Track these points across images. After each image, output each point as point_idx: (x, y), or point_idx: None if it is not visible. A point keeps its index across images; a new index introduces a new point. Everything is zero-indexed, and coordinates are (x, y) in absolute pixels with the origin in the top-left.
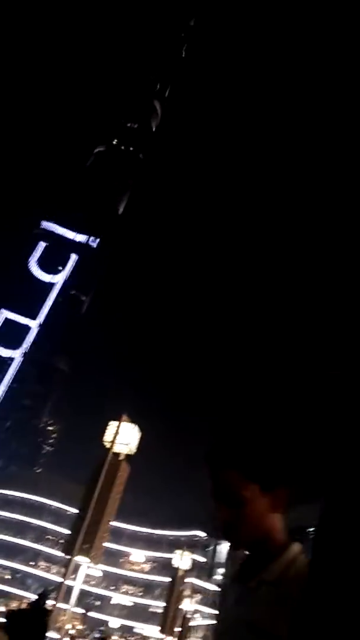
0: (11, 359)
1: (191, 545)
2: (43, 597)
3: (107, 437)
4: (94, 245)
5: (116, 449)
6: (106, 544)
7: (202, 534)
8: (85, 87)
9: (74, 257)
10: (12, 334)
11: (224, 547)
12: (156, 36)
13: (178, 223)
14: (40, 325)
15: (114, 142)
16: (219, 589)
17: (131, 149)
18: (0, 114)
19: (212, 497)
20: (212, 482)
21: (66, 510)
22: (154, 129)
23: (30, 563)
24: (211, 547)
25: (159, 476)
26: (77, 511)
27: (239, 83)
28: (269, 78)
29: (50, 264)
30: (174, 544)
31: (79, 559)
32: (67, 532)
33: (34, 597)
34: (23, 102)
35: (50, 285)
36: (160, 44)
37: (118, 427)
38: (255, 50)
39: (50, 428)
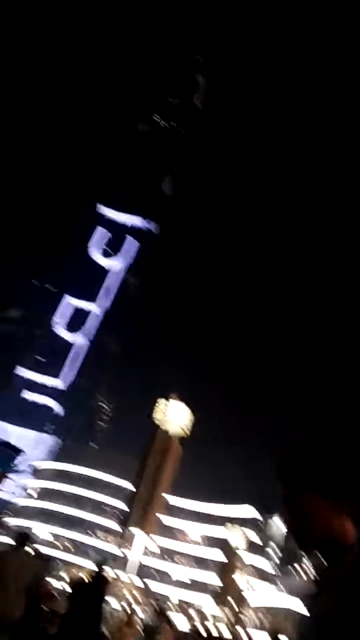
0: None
1: (244, 521)
2: (100, 566)
3: (158, 414)
4: (149, 227)
5: (169, 428)
6: (162, 517)
7: (254, 509)
8: (127, 64)
9: (131, 241)
10: (74, 319)
11: (277, 522)
12: (200, 14)
13: (228, 200)
14: (104, 311)
15: (157, 119)
16: (270, 564)
17: (173, 124)
18: (47, 100)
19: (284, 504)
20: (288, 501)
21: (122, 486)
22: (197, 105)
23: (89, 533)
24: (264, 522)
25: (214, 454)
26: (131, 485)
27: (284, 57)
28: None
29: (108, 248)
30: (227, 520)
31: (134, 530)
32: (122, 504)
33: (93, 565)
34: (66, 85)
35: (108, 269)
36: (203, 21)
37: (166, 405)
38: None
39: (105, 406)
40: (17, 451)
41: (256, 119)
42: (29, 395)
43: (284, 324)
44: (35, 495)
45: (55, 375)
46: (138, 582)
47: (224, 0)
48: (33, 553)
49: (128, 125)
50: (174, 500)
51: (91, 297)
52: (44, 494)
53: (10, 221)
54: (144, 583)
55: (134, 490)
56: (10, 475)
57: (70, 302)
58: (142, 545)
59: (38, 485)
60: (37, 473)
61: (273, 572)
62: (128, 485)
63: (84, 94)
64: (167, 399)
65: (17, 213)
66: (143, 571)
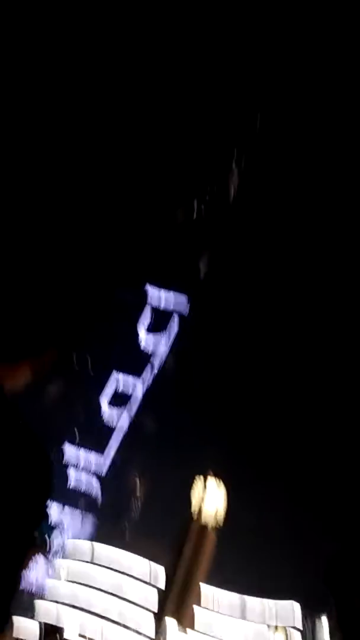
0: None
1: (286, 616)
2: None
3: (194, 501)
4: (185, 307)
5: (203, 517)
6: (197, 610)
7: (298, 605)
8: (167, 155)
9: (175, 319)
10: (118, 396)
11: (324, 621)
12: (235, 109)
13: (262, 281)
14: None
15: (195, 207)
16: None
17: (209, 214)
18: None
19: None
20: (339, 606)
21: (155, 570)
22: (232, 195)
23: (120, 623)
24: (309, 621)
25: (251, 539)
26: (164, 572)
27: (317, 154)
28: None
29: (153, 325)
30: (269, 617)
31: (168, 623)
32: (156, 594)
33: None
34: (107, 174)
35: (153, 347)
36: (238, 116)
37: (204, 491)
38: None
39: (137, 484)
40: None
41: (288, 219)
42: (73, 473)
43: (333, 407)
44: (67, 578)
45: (99, 452)
46: None
47: (260, 101)
48: None
49: (169, 212)
50: (209, 591)
51: (136, 374)
52: (76, 577)
53: (59, 300)
54: None
55: (168, 579)
56: (45, 552)
57: (118, 378)
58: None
59: (70, 566)
60: (71, 553)
61: None
62: (162, 573)
63: (131, 185)
64: (205, 479)
65: (64, 290)
66: None
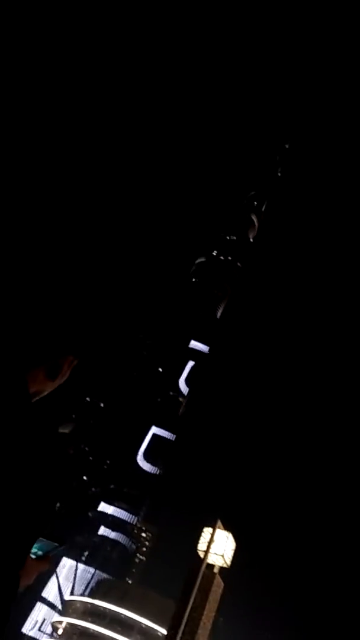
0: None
1: None
2: None
3: (201, 545)
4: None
5: (210, 559)
6: None
7: None
8: (187, 204)
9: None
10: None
11: None
12: (253, 159)
13: (276, 323)
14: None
15: (214, 253)
16: None
17: (230, 258)
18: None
19: None
20: None
21: (156, 630)
22: (251, 240)
23: None
24: None
25: (258, 600)
26: (166, 632)
27: (333, 198)
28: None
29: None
30: None
31: None
32: None
33: None
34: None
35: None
36: (256, 166)
37: (212, 534)
38: (349, 168)
39: (143, 534)
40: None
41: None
42: (104, 532)
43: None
44: (63, 634)
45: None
46: None
47: (278, 147)
48: None
49: (186, 258)
50: None
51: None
52: (73, 634)
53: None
54: None
55: (170, 634)
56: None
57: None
58: None
59: (68, 622)
60: (69, 608)
61: None
62: (163, 632)
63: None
64: (213, 528)
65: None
66: None
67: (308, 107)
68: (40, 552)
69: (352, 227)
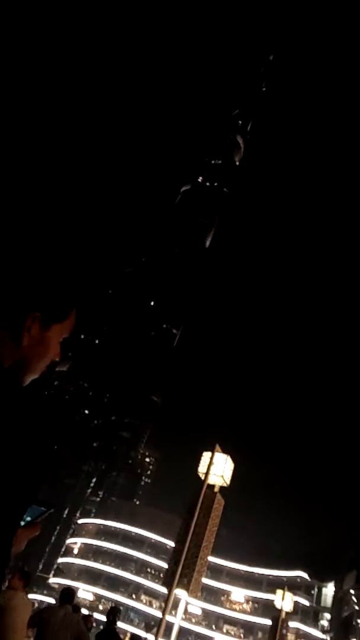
0: None
1: (294, 586)
2: (111, 614)
3: (201, 468)
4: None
5: (210, 480)
6: (205, 581)
7: (305, 575)
8: (170, 127)
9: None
10: None
11: (329, 590)
12: (236, 73)
13: (265, 251)
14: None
15: (199, 180)
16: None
17: (216, 184)
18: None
19: None
20: None
21: (165, 544)
22: (237, 163)
23: (132, 596)
24: (315, 590)
25: (258, 512)
26: (174, 544)
27: (319, 113)
28: (350, 113)
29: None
30: (275, 584)
31: (178, 592)
32: (166, 565)
33: (137, 631)
34: (114, 150)
35: None
36: (240, 81)
37: (212, 457)
38: (334, 81)
39: (147, 460)
40: (48, 505)
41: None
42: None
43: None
44: (78, 554)
45: None
46: None
47: (261, 60)
48: (78, 611)
49: (172, 186)
50: (219, 562)
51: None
52: (87, 552)
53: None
54: None
55: (178, 549)
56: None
57: None
58: (187, 611)
59: (81, 542)
60: (81, 530)
61: None
62: (171, 544)
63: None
64: (212, 452)
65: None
66: (185, 638)
67: (294, 12)
68: (29, 518)
69: (343, 142)
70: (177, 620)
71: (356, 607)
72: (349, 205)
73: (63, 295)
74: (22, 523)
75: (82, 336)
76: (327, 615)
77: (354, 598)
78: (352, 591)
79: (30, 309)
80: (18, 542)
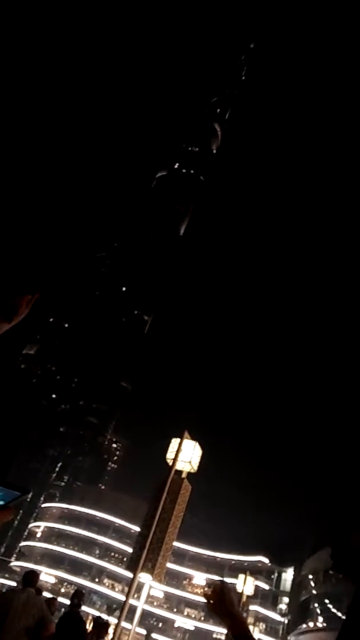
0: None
1: (255, 571)
2: (76, 597)
3: (170, 454)
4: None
5: (178, 466)
6: (168, 565)
7: (266, 560)
8: (147, 112)
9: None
10: None
11: (288, 575)
12: (215, 61)
13: (240, 240)
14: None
15: (176, 166)
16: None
17: (192, 171)
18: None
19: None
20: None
21: (130, 528)
22: (214, 151)
23: (95, 580)
24: (275, 575)
25: (222, 498)
26: (139, 529)
27: (298, 106)
28: (330, 102)
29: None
30: (236, 569)
31: (142, 576)
32: (131, 550)
33: (99, 614)
34: (91, 130)
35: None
36: (219, 69)
37: (180, 443)
38: (314, 73)
39: (114, 445)
40: (23, 490)
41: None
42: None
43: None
44: (41, 537)
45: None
46: (144, 633)
47: (241, 48)
48: (40, 594)
49: (147, 172)
50: (183, 546)
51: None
52: (51, 536)
53: None
54: (148, 634)
55: (144, 534)
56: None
57: None
58: (149, 594)
59: (45, 526)
60: (44, 514)
61: (283, 626)
62: (137, 529)
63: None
64: (181, 439)
65: None
66: (149, 622)
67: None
68: (1, 502)
69: (322, 132)
70: (140, 603)
71: (314, 592)
72: (328, 195)
73: (46, 274)
74: None
75: (51, 319)
76: (286, 599)
77: (312, 583)
78: (310, 576)
79: (23, 291)
80: None
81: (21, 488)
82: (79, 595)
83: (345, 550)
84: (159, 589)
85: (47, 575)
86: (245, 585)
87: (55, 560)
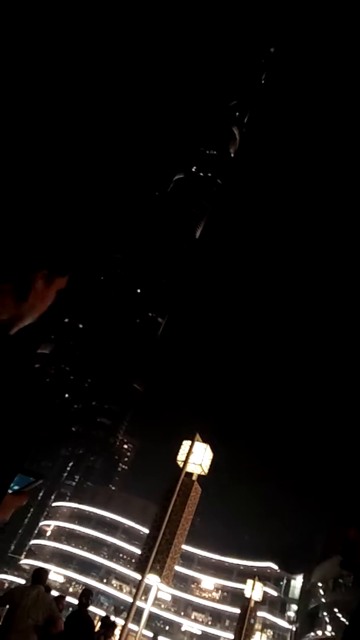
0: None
1: (263, 577)
2: (84, 596)
3: (181, 456)
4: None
5: (189, 468)
6: (176, 568)
7: (275, 566)
8: (166, 115)
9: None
10: None
11: (297, 582)
12: (236, 64)
13: (255, 245)
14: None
15: (193, 169)
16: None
17: (209, 175)
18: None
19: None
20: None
21: (139, 530)
22: (232, 155)
23: (103, 580)
24: (284, 581)
25: (232, 503)
26: (149, 530)
27: (317, 110)
28: (349, 108)
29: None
30: (245, 574)
31: (151, 578)
32: (139, 551)
33: (105, 614)
34: (108, 133)
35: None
36: (239, 72)
37: (191, 446)
38: (334, 75)
39: (125, 446)
40: (37, 475)
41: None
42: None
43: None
44: (51, 536)
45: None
46: (150, 636)
47: (261, 52)
48: (49, 592)
49: (164, 174)
50: (192, 550)
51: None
52: (60, 535)
53: None
54: (155, 636)
55: (153, 535)
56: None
57: None
58: (156, 597)
59: (55, 525)
60: (55, 512)
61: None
62: (145, 531)
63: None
64: (192, 441)
65: None
66: (156, 624)
67: (297, 5)
68: (16, 487)
69: (340, 138)
70: (147, 605)
71: (323, 600)
72: (344, 200)
73: (67, 251)
74: (10, 491)
75: (66, 320)
76: (294, 607)
77: (321, 591)
78: (319, 584)
79: (38, 265)
80: (4, 509)
81: (35, 473)
82: (87, 595)
83: (349, 547)
84: (166, 592)
85: (56, 574)
86: (254, 590)
87: (64, 560)
